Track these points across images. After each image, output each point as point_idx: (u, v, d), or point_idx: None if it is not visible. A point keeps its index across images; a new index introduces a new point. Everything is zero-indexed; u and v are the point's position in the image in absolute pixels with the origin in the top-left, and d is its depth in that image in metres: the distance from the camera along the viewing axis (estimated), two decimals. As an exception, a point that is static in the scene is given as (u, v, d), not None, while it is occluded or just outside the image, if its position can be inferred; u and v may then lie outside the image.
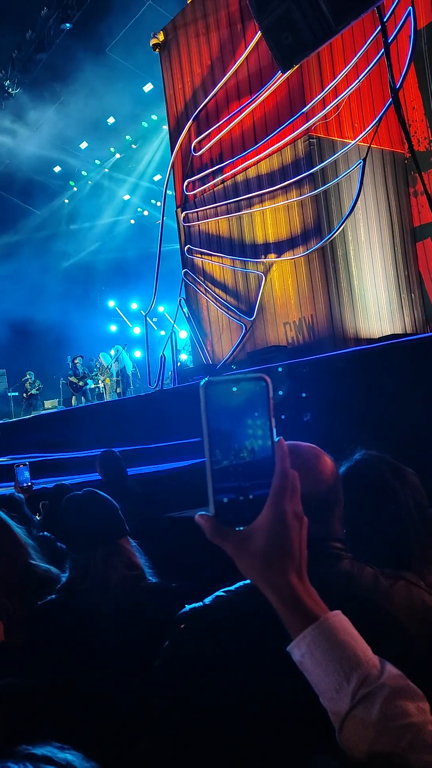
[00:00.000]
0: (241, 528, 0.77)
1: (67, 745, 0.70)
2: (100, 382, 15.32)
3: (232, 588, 1.37)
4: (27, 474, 3.78)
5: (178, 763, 1.31)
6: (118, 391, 14.12)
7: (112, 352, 14.87)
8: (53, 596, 1.77)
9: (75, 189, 19.29)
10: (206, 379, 0.75)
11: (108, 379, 14.83)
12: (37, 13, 13.88)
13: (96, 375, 15.44)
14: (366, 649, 0.78)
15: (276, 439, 0.77)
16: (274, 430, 0.76)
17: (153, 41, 10.15)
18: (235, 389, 0.75)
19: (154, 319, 13.17)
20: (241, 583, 1.39)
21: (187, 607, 1.38)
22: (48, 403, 16.78)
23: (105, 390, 15.14)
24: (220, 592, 1.38)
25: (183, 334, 11.87)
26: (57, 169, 18.26)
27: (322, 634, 0.76)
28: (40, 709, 1.18)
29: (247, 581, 1.43)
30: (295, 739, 1.26)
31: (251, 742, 1.27)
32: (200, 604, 1.37)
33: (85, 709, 1.37)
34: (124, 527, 1.97)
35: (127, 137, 17.09)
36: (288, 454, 0.78)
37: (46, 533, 2.86)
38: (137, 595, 1.79)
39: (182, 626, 1.36)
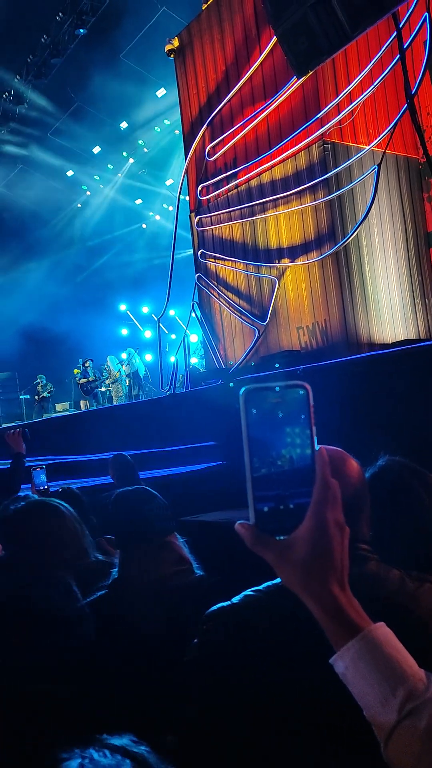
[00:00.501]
0: (282, 537, 0.77)
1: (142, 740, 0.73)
2: (109, 385, 15.37)
3: (260, 587, 1.39)
4: (44, 477, 3.79)
5: (202, 759, 1.32)
6: (135, 393, 14.10)
7: (124, 356, 14.87)
8: (103, 592, 1.77)
9: (88, 193, 19.39)
10: (246, 386, 0.76)
11: (118, 383, 14.85)
12: (52, 18, 14.00)
13: (106, 379, 15.50)
14: (411, 663, 0.77)
15: (317, 447, 0.76)
16: (315, 438, 0.76)
17: (168, 47, 10.21)
18: (275, 396, 0.75)
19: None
20: (269, 583, 1.40)
21: (216, 605, 1.39)
22: (59, 406, 16.85)
23: (113, 394, 15.17)
24: (248, 591, 1.40)
25: (194, 337, 11.90)
26: (70, 173, 18.36)
27: (366, 647, 0.75)
28: (76, 709, 1.20)
29: (275, 581, 1.45)
30: (306, 741, 1.27)
31: (272, 741, 1.28)
32: (228, 603, 1.39)
33: (121, 706, 1.38)
34: (172, 523, 1.98)
35: (140, 142, 17.17)
36: (329, 463, 0.77)
37: None
38: (188, 589, 1.80)
39: (210, 624, 1.38)
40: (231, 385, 7.99)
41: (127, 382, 14.63)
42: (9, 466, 4.14)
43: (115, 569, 1.86)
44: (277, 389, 0.75)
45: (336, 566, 0.78)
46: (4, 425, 16.57)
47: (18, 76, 15.51)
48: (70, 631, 1.28)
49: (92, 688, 1.17)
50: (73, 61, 14.65)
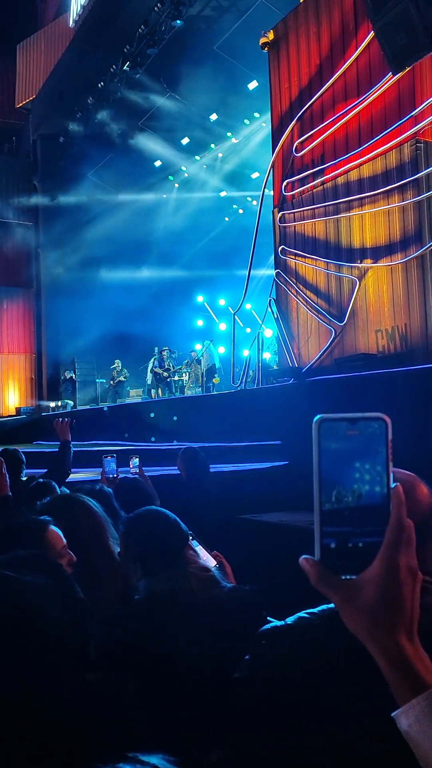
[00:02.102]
0: (348, 577, 0.72)
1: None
2: (184, 374, 15.50)
3: (315, 611, 1.35)
4: (114, 465, 3.83)
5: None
6: (208, 385, 14.11)
7: (198, 347, 14.90)
8: (131, 608, 1.79)
9: (176, 185, 19.57)
10: (320, 416, 0.72)
11: (198, 369, 14.94)
12: (150, 9, 14.14)
13: (181, 368, 15.65)
14: None
15: (392, 485, 0.72)
16: (392, 476, 0.71)
17: (262, 40, 10.13)
18: (350, 428, 0.71)
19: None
20: (323, 607, 1.37)
21: (270, 624, 1.37)
22: (133, 392, 17.17)
23: (187, 383, 15.28)
24: (303, 614, 1.36)
25: (268, 332, 11.81)
26: (158, 163, 18.57)
27: None
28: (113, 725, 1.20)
29: (330, 605, 1.42)
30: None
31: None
32: (283, 623, 1.36)
33: (159, 717, 1.38)
34: (186, 535, 2.00)
35: (228, 134, 17.15)
36: (404, 503, 0.72)
37: None
38: (218, 602, 1.79)
39: (264, 643, 1.36)
40: (292, 381, 7.90)
41: (198, 369, 14.68)
42: (57, 451, 4.33)
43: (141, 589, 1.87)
44: (353, 421, 0.71)
45: (405, 615, 0.72)
46: (79, 407, 17.10)
47: (113, 67, 15.79)
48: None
49: (127, 704, 1.17)
50: (167, 52, 14.77)
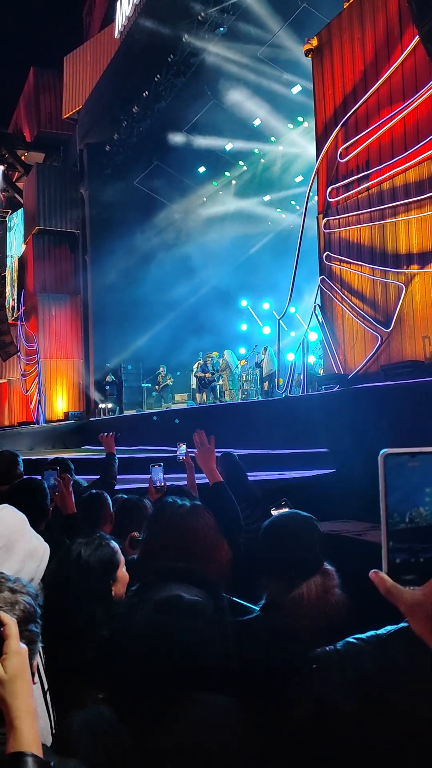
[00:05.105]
0: (413, 588, 0.82)
1: None
2: (221, 380, 15.51)
3: (364, 637, 1.40)
4: (161, 474, 3.91)
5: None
6: (272, 387, 13.88)
7: (264, 353, 14.31)
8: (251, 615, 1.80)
9: (221, 193, 19.66)
10: (385, 449, 0.83)
11: (230, 378, 14.93)
12: (194, 18, 14.28)
13: (220, 373, 15.67)
14: None
15: None
16: None
17: (306, 46, 10.14)
18: (412, 460, 0.82)
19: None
20: (371, 633, 1.41)
21: (320, 649, 1.42)
22: (178, 396, 17.32)
23: (224, 389, 15.25)
24: (351, 639, 1.41)
25: (313, 336, 11.76)
26: (201, 169, 18.71)
27: None
28: None
29: (378, 631, 1.46)
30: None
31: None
32: (332, 647, 1.41)
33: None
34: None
35: (272, 139, 17.16)
36: None
37: None
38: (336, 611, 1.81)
39: (314, 666, 1.41)
40: (338, 388, 7.85)
41: (255, 373, 14.52)
42: (104, 461, 4.45)
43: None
44: (414, 455, 0.82)
45: None
46: (126, 412, 17.36)
47: (158, 76, 15.99)
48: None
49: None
50: (211, 59, 14.86)
